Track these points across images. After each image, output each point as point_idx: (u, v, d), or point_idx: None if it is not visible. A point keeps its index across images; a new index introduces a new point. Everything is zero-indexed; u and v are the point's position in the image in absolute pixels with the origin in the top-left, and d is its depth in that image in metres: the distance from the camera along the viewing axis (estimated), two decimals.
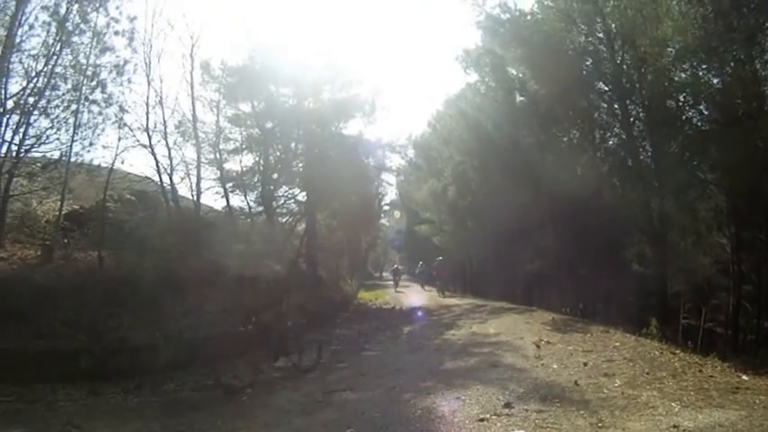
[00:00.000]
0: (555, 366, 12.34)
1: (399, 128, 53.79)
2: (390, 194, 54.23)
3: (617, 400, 9.53)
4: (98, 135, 21.33)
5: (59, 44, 19.81)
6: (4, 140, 18.93)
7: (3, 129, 18.91)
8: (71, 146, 20.69)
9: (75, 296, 16.42)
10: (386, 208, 54.77)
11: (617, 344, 14.82)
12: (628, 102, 24.16)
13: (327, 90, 30.50)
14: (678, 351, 13.88)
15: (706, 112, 22.21)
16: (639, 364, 12.27)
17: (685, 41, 19.88)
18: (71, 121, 20.49)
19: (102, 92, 21.24)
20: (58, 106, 19.98)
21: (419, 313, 27.39)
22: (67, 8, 20.00)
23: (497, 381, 11.20)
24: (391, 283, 52.15)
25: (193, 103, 25.24)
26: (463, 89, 34.64)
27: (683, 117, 22.77)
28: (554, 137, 27.87)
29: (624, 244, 25.93)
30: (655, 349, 14.09)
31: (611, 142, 26.94)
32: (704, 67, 21.31)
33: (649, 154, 24.13)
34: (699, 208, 22.97)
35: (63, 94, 20.12)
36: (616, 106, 25.05)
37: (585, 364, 12.27)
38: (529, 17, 26.33)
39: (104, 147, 22.42)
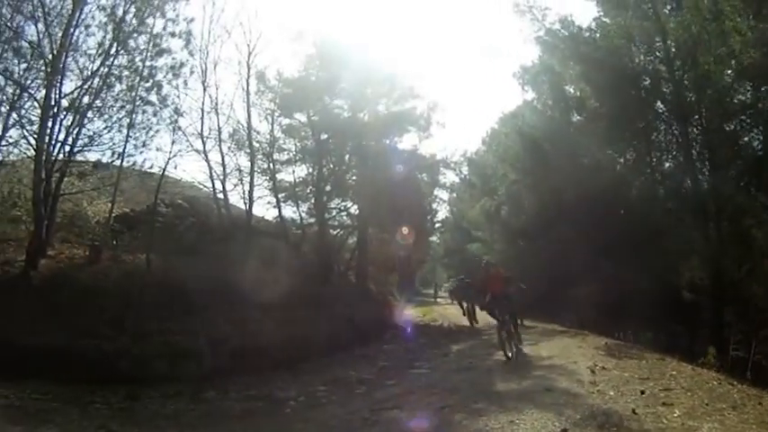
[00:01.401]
0: (611, 393, 11.92)
1: (453, 144, 53.48)
2: (442, 211, 53.65)
3: (677, 431, 9.14)
4: (152, 136, 21.74)
5: (116, 45, 19.96)
6: (56, 140, 19.04)
7: (56, 128, 19.05)
8: (124, 147, 20.89)
9: (121, 298, 16.58)
10: (437, 225, 54.11)
11: (673, 372, 14.35)
12: (686, 123, 23.71)
13: (383, 103, 30.64)
14: (736, 382, 13.41)
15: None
16: (698, 394, 11.84)
17: (751, 58, 19.49)
18: (125, 121, 20.69)
19: (158, 93, 21.44)
20: (112, 106, 20.21)
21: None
22: (125, 9, 20.14)
23: (552, 405, 10.86)
24: (444, 301, 50.43)
25: (249, 112, 25.79)
26: (519, 106, 34.45)
27: (744, 140, 22.37)
28: (610, 158, 27.46)
29: (677, 269, 25.40)
30: (713, 379, 13.62)
31: (667, 165, 26.52)
32: (763, 89, 20.93)
33: (707, 178, 23.66)
34: (755, 236, 22.45)
35: (118, 94, 20.35)
36: (675, 126, 24.59)
37: (642, 392, 11.81)
38: (587, 34, 26.10)
39: (158, 149, 22.56)
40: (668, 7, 23.99)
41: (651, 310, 24.40)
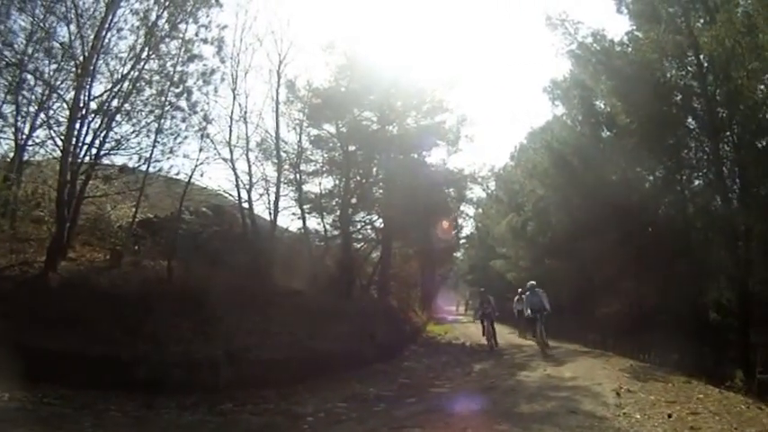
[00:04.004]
0: (638, 416, 11.68)
1: (481, 159, 53.22)
2: (468, 227, 53.40)
3: None
4: (179, 143, 21.80)
5: (147, 49, 20.07)
6: (83, 143, 19.10)
7: (84, 130, 19.13)
8: (151, 152, 20.99)
9: (140, 304, 16.52)
10: (462, 240, 53.83)
11: (700, 395, 14.10)
12: (717, 140, 23.47)
13: (412, 116, 30.58)
14: (764, 406, 13.09)
15: None
16: (726, 418, 11.55)
17: None
18: (153, 126, 20.82)
19: (188, 99, 21.51)
20: (141, 111, 20.34)
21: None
22: (157, 14, 20.25)
23: (578, 428, 10.69)
24: (466, 319, 49.81)
25: (277, 121, 25.86)
26: (549, 122, 34.42)
27: None
28: (639, 175, 27.21)
29: (704, 290, 25.06)
30: (740, 403, 13.32)
31: (697, 183, 26.20)
32: None
33: (737, 196, 23.38)
34: None
35: (147, 99, 20.51)
36: (705, 143, 24.36)
37: (670, 416, 11.58)
38: (619, 48, 25.96)
39: (185, 156, 22.54)
40: (701, 21, 23.69)
41: (677, 331, 24.09)
